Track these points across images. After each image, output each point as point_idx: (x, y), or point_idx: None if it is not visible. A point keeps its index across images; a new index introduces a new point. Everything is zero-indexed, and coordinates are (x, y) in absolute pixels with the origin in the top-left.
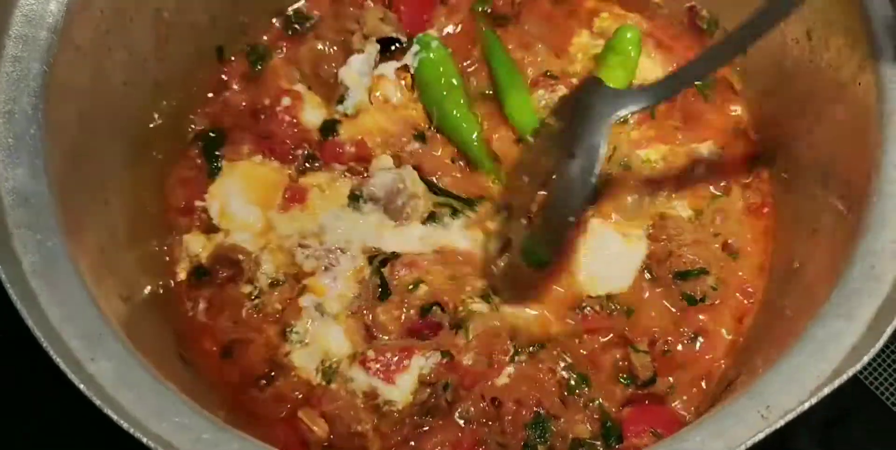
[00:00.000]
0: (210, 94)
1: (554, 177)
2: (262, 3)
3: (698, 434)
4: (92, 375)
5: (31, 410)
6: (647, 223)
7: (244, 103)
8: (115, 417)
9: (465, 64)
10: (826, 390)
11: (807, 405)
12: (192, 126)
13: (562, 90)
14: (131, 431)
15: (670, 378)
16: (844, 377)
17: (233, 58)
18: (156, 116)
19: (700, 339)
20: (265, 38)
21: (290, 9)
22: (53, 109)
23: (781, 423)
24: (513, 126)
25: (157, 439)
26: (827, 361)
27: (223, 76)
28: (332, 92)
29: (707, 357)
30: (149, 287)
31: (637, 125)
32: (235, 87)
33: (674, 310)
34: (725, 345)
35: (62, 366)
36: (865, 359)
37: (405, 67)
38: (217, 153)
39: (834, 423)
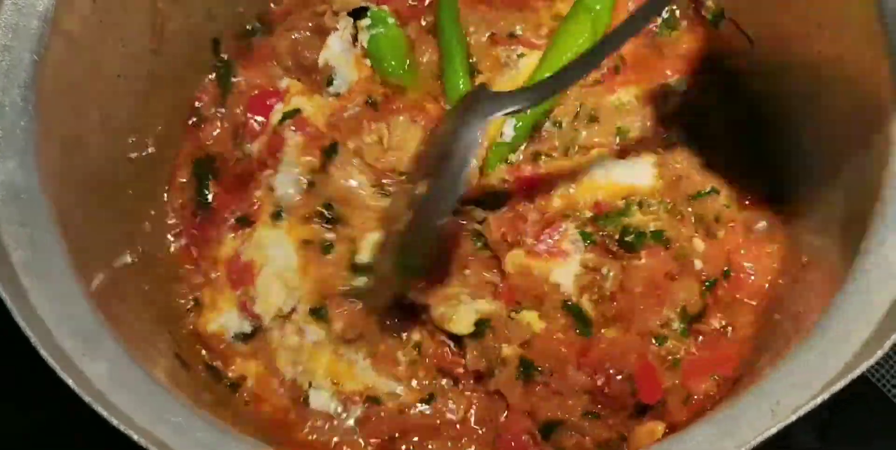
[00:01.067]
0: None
1: (431, 177)
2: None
3: (708, 430)
4: (85, 373)
5: (27, 409)
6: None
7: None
8: (108, 416)
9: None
10: (839, 386)
11: (818, 401)
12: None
13: (520, 49)
14: (124, 430)
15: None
16: (857, 372)
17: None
18: (150, 108)
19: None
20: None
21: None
22: (45, 102)
23: (793, 418)
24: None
25: (152, 438)
26: (838, 356)
27: (196, 103)
28: (320, 78)
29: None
30: (146, 285)
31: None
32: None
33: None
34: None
35: (53, 364)
36: (879, 353)
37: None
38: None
39: (835, 414)
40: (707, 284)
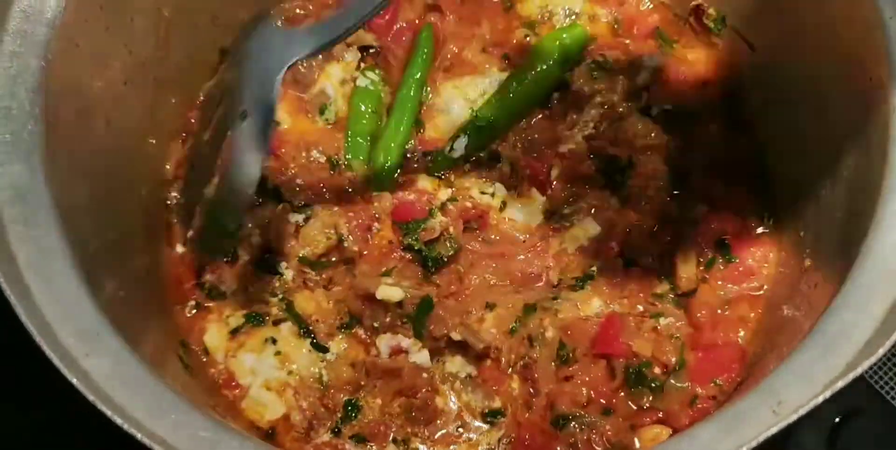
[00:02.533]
0: None
1: (228, 139)
2: (262, 2)
3: (710, 430)
4: (87, 371)
5: (29, 407)
6: None
7: None
8: (109, 413)
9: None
10: (840, 385)
11: (820, 399)
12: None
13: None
14: (126, 427)
15: None
16: (859, 371)
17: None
18: (155, 114)
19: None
20: None
21: None
22: (51, 106)
23: (794, 418)
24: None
25: (153, 436)
26: (839, 355)
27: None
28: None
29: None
30: (148, 285)
31: None
32: None
33: None
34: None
35: (56, 362)
36: (881, 352)
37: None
38: None
39: (840, 424)
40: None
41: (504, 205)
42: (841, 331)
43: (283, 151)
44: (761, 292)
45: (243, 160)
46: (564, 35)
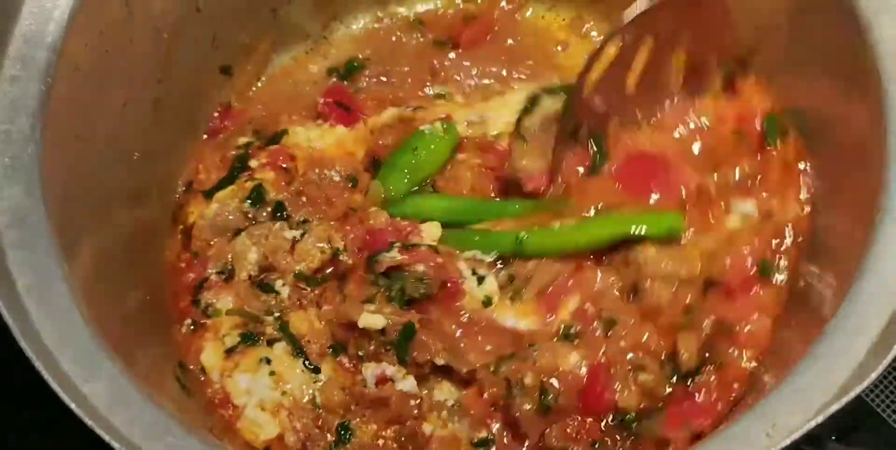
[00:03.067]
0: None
1: None
2: (262, 23)
3: None
4: (85, 395)
5: (26, 430)
6: None
7: None
8: (107, 438)
9: None
10: (833, 408)
11: (813, 424)
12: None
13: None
14: None
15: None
16: (852, 395)
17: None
18: (155, 135)
19: None
20: None
21: None
22: (52, 130)
23: (787, 442)
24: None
25: None
26: (833, 378)
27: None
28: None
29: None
30: (148, 308)
31: None
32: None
33: None
34: None
35: (54, 386)
36: (873, 376)
37: None
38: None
39: (837, 441)
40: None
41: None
42: (835, 353)
43: (294, 164)
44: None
45: None
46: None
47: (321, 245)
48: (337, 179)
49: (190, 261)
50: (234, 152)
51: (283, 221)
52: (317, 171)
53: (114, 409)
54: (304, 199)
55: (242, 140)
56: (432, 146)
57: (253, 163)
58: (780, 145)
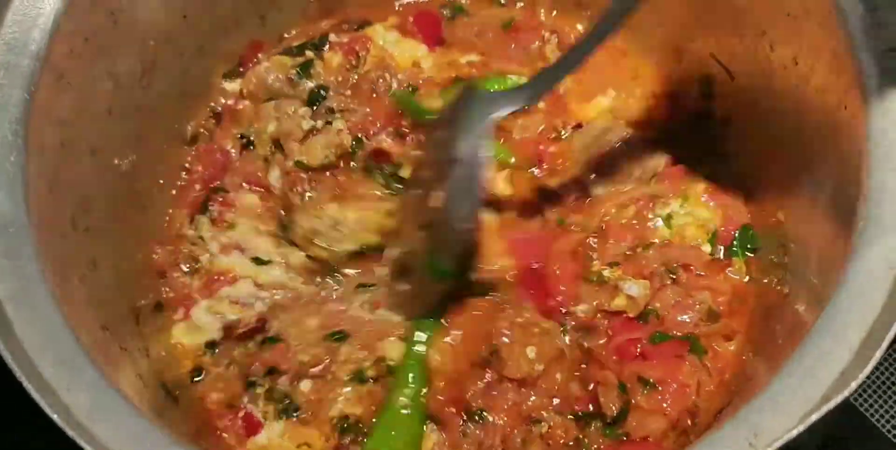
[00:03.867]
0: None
1: (443, 184)
2: (249, 33)
3: None
4: (67, 405)
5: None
6: None
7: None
8: (88, 448)
9: None
10: (814, 417)
11: (795, 432)
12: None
13: None
14: None
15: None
16: (833, 403)
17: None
18: (141, 144)
19: None
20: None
21: None
22: (35, 137)
23: None
24: None
25: None
26: (815, 387)
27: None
28: None
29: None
30: (132, 316)
31: None
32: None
33: None
34: None
35: (35, 395)
36: (854, 384)
37: None
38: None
39: (825, 446)
40: None
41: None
42: (817, 361)
43: (366, 55)
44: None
45: (460, 199)
46: None
47: (328, 150)
48: (395, 85)
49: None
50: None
51: (311, 107)
52: (379, 72)
53: (95, 418)
54: (349, 91)
55: (328, 23)
56: None
57: (332, 37)
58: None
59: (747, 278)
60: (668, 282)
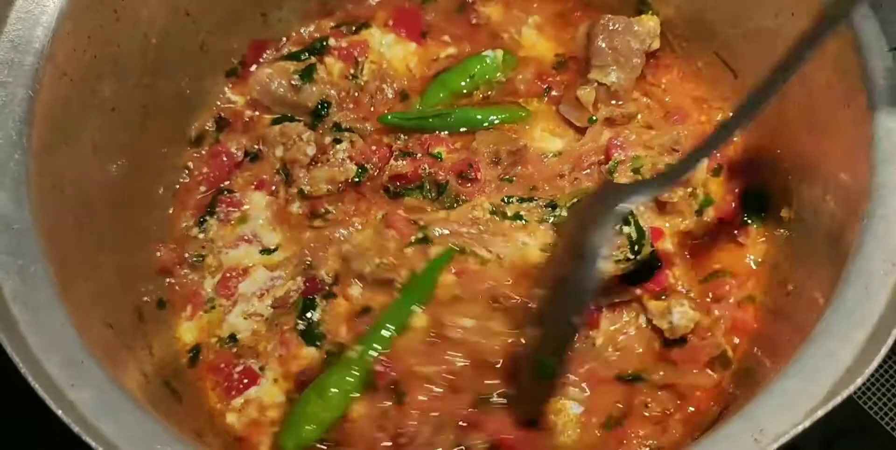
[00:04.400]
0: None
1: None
2: (250, 31)
3: None
4: (72, 402)
5: (13, 437)
6: None
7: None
8: (94, 444)
9: None
10: (820, 413)
11: (800, 428)
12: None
13: None
14: None
15: None
16: (838, 399)
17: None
18: (144, 141)
19: None
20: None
21: None
22: (39, 135)
23: (774, 446)
24: None
25: None
26: (820, 383)
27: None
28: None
29: None
30: (136, 314)
31: None
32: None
33: None
34: None
35: (41, 393)
36: (859, 381)
37: None
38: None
39: (829, 444)
40: None
41: None
42: (822, 358)
43: (364, 60)
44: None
45: (573, 293)
46: None
47: (330, 186)
48: (391, 95)
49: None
50: (317, 34)
51: (315, 123)
52: (377, 83)
53: (101, 416)
54: (352, 105)
55: (329, 23)
56: (487, 75)
57: (332, 41)
58: None
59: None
60: None
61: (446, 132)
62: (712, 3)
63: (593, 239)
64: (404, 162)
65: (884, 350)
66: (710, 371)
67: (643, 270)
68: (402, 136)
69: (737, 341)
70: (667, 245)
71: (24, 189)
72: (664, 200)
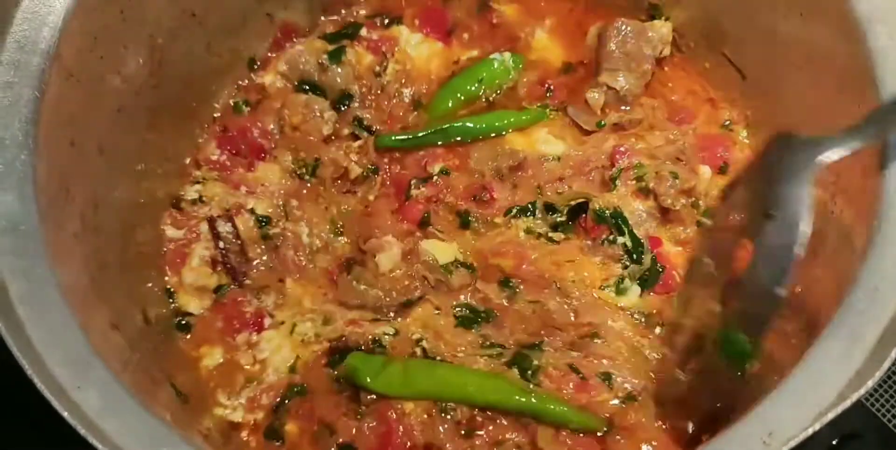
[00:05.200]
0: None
1: (752, 246)
2: (258, 31)
3: None
4: (77, 403)
5: (18, 437)
6: None
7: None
8: (99, 446)
9: None
10: (830, 416)
11: (810, 431)
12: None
13: None
14: None
15: None
16: (848, 403)
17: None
18: (150, 141)
19: None
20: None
21: None
22: (45, 136)
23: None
24: None
25: None
26: (830, 385)
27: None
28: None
29: None
30: (141, 316)
31: None
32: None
33: None
34: None
35: (46, 393)
36: (870, 383)
37: None
38: None
39: (837, 447)
40: None
41: None
42: (832, 360)
43: (392, 57)
44: None
45: (774, 260)
46: None
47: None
48: (407, 100)
49: None
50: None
51: (337, 110)
52: (397, 85)
53: (106, 416)
54: (373, 103)
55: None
56: (496, 80)
57: (363, 32)
58: None
59: None
60: None
61: (440, 142)
62: (726, 7)
63: (789, 195)
64: (424, 189)
65: (894, 352)
66: None
67: (648, 278)
68: (397, 154)
69: None
70: (667, 248)
71: (31, 190)
72: (667, 206)
